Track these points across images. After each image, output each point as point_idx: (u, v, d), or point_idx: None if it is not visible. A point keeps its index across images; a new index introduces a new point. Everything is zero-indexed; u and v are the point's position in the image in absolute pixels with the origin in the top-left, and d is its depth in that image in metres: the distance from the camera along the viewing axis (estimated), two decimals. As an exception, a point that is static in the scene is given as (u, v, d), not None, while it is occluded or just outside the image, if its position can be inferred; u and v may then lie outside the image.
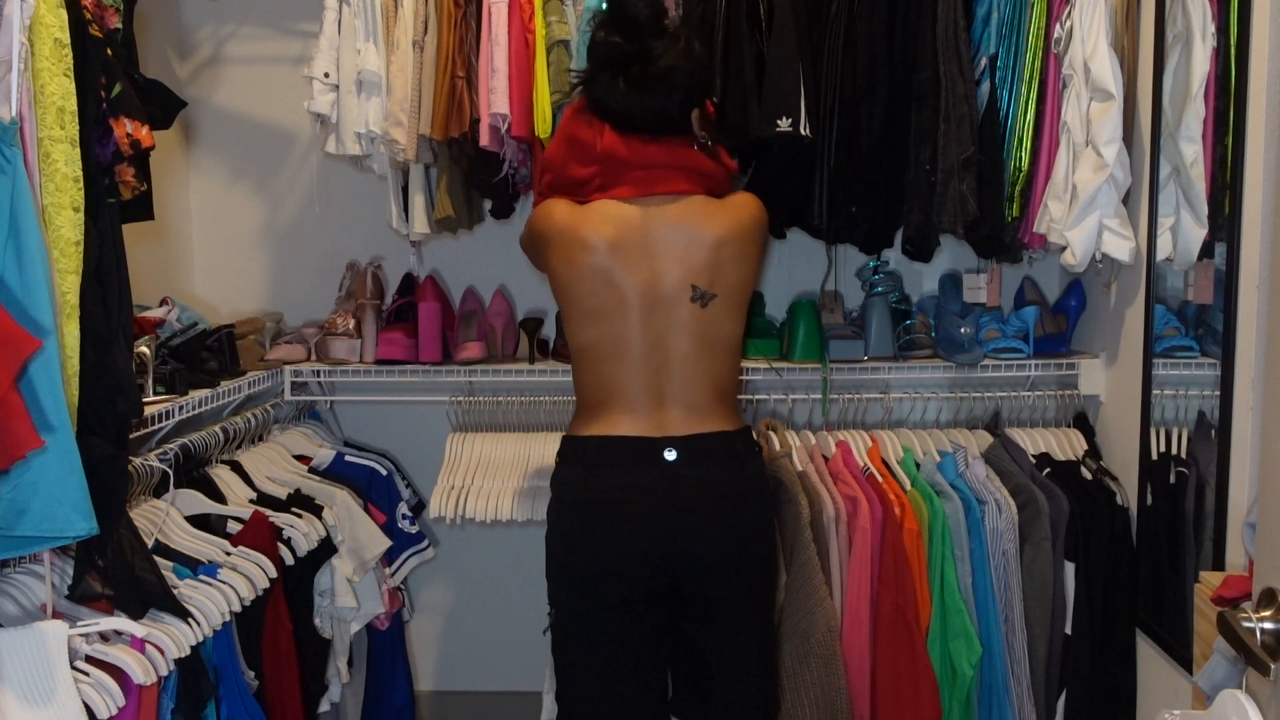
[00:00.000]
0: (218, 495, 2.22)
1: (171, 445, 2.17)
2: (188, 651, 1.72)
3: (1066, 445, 2.46)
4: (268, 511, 2.20)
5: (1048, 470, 2.36)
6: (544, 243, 1.93)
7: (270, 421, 2.62)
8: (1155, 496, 2.20)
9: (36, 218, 1.43)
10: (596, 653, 1.89)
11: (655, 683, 1.96)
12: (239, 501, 2.24)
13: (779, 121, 2.21)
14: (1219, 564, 1.88)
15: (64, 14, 1.52)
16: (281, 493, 2.35)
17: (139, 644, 1.63)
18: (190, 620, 1.75)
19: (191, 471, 2.23)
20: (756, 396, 2.66)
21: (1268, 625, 1.03)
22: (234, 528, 2.13)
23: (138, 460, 2.02)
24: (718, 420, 1.90)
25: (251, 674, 1.99)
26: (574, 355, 1.94)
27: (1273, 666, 1.02)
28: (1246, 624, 1.04)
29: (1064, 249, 2.22)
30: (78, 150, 1.53)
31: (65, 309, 1.51)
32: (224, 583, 1.90)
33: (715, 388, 1.90)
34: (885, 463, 2.42)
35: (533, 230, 1.98)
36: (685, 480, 1.85)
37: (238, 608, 1.90)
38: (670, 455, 1.85)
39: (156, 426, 2.12)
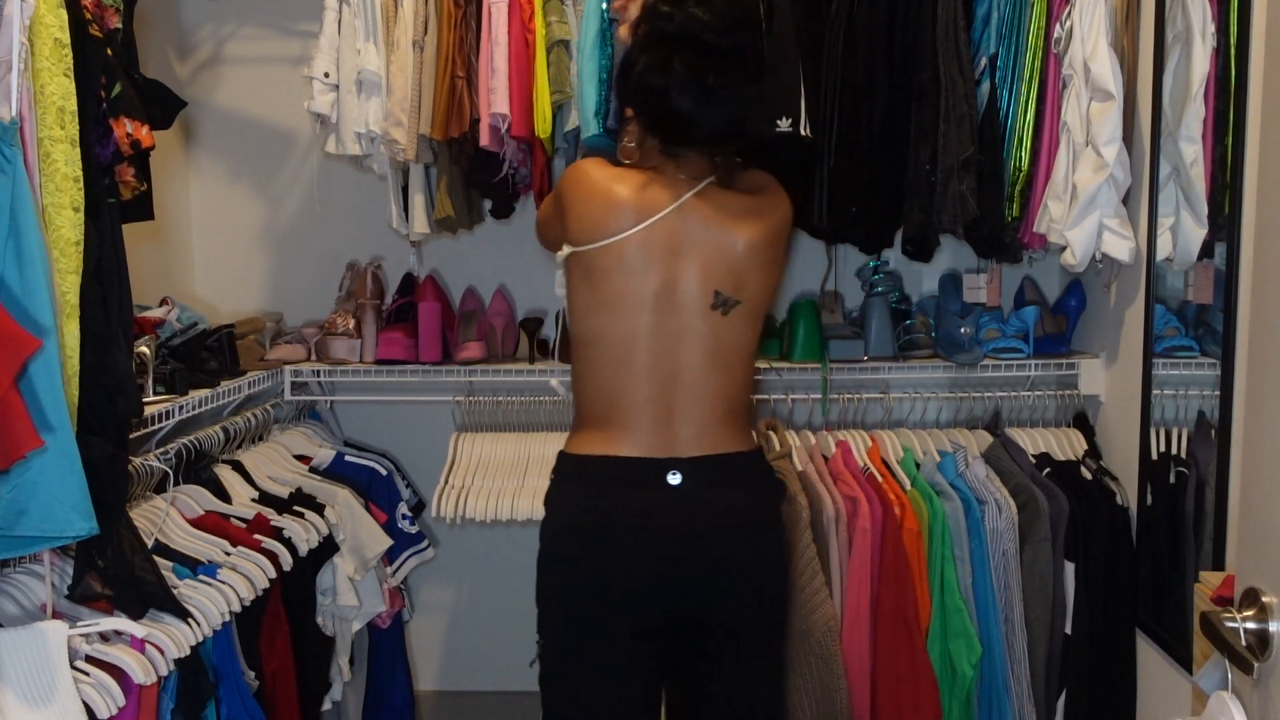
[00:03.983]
0: (223, 495, 2.23)
1: (174, 445, 2.17)
2: (188, 651, 1.72)
3: (1066, 445, 2.46)
4: (270, 513, 2.20)
5: (1048, 470, 2.36)
6: (566, 203, 1.72)
7: (270, 421, 2.62)
8: (1155, 496, 2.20)
9: (36, 218, 1.43)
10: (589, 689, 1.73)
11: None
12: (242, 501, 2.25)
13: (779, 122, 2.21)
14: (1219, 564, 1.88)
15: (64, 14, 1.52)
16: (283, 492, 2.35)
17: (139, 644, 1.63)
18: (190, 620, 1.75)
19: (200, 472, 2.24)
20: (756, 396, 2.66)
21: (1250, 625, 1.03)
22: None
23: (138, 460, 2.02)
24: (728, 440, 1.74)
25: (252, 674, 1.99)
26: (576, 351, 1.77)
27: (1256, 666, 1.02)
28: (1230, 624, 1.04)
29: (1064, 249, 2.22)
30: (78, 150, 1.53)
31: (65, 309, 1.52)
32: (224, 583, 1.90)
33: (727, 404, 1.74)
34: (885, 463, 2.42)
35: (558, 191, 1.77)
36: (697, 505, 1.70)
37: (237, 608, 1.90)
38: (674, 479, 1.69)
39: (156, 426, 2.12)
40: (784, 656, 1.89)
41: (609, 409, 1.73)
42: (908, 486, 2.33)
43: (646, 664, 1.74)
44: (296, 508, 2.29)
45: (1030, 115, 2.29)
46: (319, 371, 2.70)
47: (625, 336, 1.71)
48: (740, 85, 1.67)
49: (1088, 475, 2.34)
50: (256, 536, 2.10)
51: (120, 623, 1.64)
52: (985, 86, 2.29)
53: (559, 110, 2.36)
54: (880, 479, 2.35)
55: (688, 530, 1.69)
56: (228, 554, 2.01)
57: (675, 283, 1.70)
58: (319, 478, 2.51)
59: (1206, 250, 2.00)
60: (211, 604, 1.82)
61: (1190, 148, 2.00)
